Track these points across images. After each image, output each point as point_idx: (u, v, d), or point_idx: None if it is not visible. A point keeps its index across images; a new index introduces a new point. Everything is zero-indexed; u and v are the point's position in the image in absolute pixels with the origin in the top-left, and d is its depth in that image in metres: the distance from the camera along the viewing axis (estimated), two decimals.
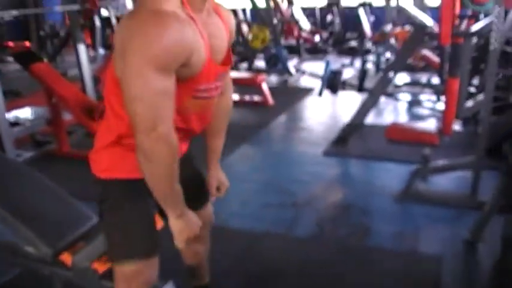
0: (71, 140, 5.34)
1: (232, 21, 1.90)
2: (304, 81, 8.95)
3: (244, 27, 10.08)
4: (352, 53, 11.07)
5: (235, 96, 7.70)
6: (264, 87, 7.20)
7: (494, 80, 3.71)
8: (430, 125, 4.66)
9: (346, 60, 10.54)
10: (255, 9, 9.77)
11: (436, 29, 7.04)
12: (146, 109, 1.48)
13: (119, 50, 1.52)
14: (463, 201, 3.96)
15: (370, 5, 12.64)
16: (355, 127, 5.38)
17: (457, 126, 5.16)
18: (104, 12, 10.23)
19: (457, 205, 3.94)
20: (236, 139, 5.62)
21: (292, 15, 10.63)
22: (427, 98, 7.29)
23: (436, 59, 7.28)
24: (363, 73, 5.72)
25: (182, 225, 1.76)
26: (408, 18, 5.91)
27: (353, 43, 12.12)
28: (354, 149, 5.27)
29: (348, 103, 6.94)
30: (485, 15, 6.06)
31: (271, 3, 9.66)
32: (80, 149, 5.09)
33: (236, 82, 7.88)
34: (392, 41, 9.23)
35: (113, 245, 1.90)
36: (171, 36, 1.45)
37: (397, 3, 9.71)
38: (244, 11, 11.77)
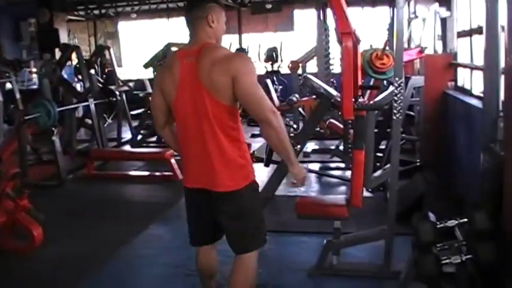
0: None
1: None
2: None
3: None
4: None
5: (143, 172, 7.47)
6: (173, 161, 7.02)
7: (399, 147, 3.75)
8: (340, 195, 4.64)
9: (256, 131, 10.57)
10: None
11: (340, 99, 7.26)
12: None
13: None
14: (377, 272, 3.92)
15: (277, 73, 12.93)
16: (265, 200, 5.27)
17: (366, 193, 5.16)
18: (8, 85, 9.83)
19: (371, 276, 3.90)
20: (143, 219, 5.37)
21: None
22: (335, 166, 7.37)
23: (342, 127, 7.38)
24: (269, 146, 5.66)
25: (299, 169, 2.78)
26: (313, 88, 5.97)
27: None
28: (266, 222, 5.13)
29: (258, 175, 6.86)
30: (388, 84, 6.25)
31: None
32: None
33: (143, 157, 7.82)
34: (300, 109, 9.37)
35: None
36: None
37: (303, 72, 9.91)
38: (152, 82, 11.63)
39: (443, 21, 7.22)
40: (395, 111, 3.61)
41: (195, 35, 2.68)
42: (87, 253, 4.55)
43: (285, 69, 12.30)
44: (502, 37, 3.67)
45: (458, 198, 5.54)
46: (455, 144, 6.13)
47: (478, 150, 5.06)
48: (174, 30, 15.21)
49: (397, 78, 3.59)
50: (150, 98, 2.90)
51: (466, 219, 2.84)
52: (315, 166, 7.50)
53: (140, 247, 4.71)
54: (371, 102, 3.87)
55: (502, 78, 3.72)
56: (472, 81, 6.06)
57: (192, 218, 2.95)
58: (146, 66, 9.72)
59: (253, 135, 10.11)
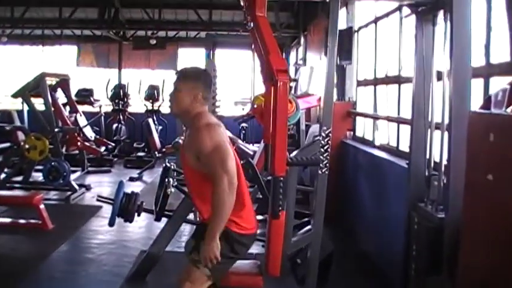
0: None
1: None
2: (89, 198, 7.90)
3: (20, 135, 8.86)
4: (141, 164, 10.42)
5: (4, 219, 6.42)
6: (42, 207, 6.06)
7: (323, 208, 3.28)
8: (250, 261, 4.02)
9: (134, 173, 9.78)
10: (33, 113, 8.66)
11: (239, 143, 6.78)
12: None
13: None
14: None
15: (158, 112, 12.23)
16: (154, 258, 4.58)
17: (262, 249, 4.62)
18: None
19: None
20: (7, 280, 4.39)
21: (75, 122, 9.65)
22: None
23: None
24: (162, 198, 4.78)
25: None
26: None
27: (141, 154, 11.49)
28: (154, 285, 4.46)
29: (144, 225, 6.12)
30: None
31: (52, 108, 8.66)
32: None
33: (7, 202, 6.74)
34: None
35: None
36: None
37: None
38: (20, 114, 10.51)
39: (341, 68, 7.02)
40: (321, 164, 3.15)
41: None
42: None
43: (165, 109, 11.67)
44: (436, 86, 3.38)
45: (362, 254, 5.23)
46: (356, 196, 5.85)
47: (386, 205, 4.79)
48: (48, 59, 14.06)
49: (324, 128, 3.14)
50: (225, 157, 2.65)
51: None
52: None
53: None
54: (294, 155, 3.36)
55: (434, 133, 3.43)
56: (375, 132, 5.84)
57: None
58: (15, 95, 8.65)
59: (132, 179, 9.34)
